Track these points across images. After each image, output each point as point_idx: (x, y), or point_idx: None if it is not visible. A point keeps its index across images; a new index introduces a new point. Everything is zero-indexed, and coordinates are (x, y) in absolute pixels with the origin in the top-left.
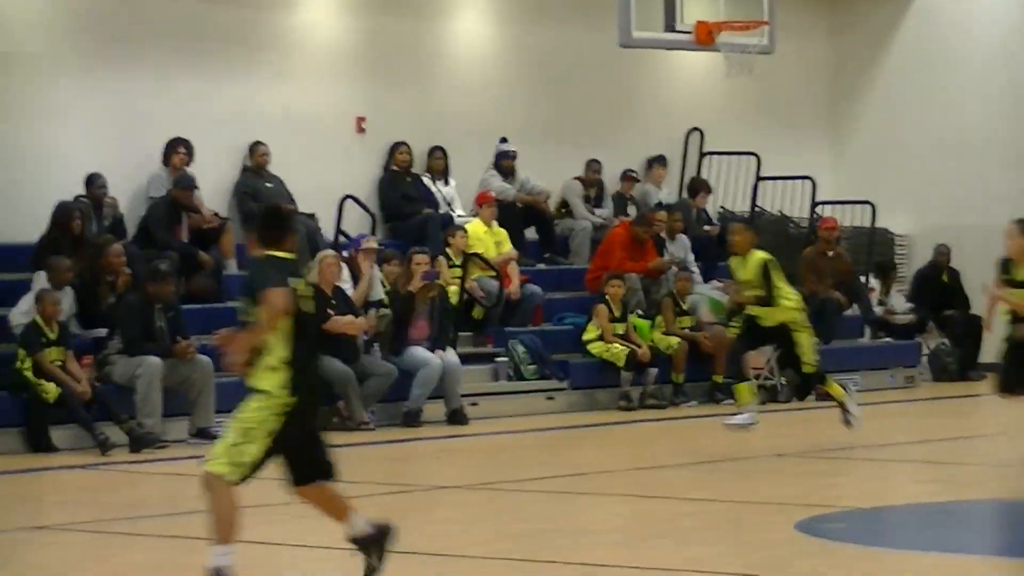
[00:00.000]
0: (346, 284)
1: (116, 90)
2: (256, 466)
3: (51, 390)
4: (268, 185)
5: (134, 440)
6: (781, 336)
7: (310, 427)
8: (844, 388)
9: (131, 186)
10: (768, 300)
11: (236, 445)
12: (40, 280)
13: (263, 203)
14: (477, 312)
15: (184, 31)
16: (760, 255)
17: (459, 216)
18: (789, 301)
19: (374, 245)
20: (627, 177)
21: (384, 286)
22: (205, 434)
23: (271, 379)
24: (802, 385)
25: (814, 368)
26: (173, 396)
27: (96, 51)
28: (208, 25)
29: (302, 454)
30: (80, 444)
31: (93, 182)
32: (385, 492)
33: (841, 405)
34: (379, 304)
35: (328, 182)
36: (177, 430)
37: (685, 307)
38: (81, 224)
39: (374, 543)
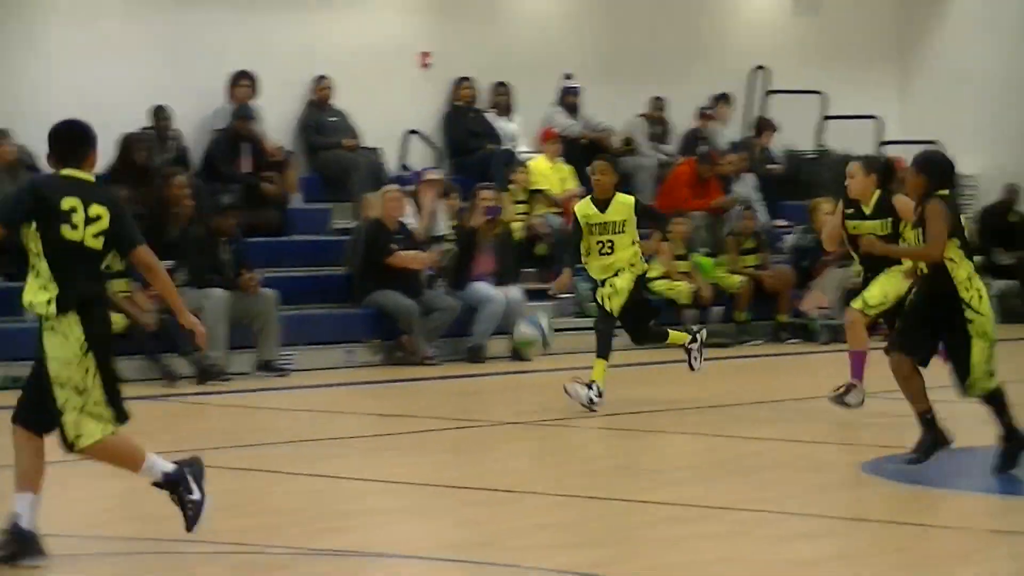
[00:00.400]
0: (411, 220)
1: (182, 23)
2: (115, 401)
3: (117, 321)
4: (332, 119)
5: (200, 372)
6: (634, 292)
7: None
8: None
9: (196, 118)
10: (608, 229)
11: (84, 405)
12: None
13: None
14: (541, 248)
15: None
16: (628, 197)
17: (523, 152)
18: (630, 252)
19: (436, 177)
20: (703, 115)
21: (449, 221)
22: (270, 367)
23: (41, 296)
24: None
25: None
26: (238, 329)
27: None
28: None
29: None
30: (146, 375)
31: (158, 114)
32: (450, 427)
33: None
34: (443, 239)
35: (392, 116)
36: (242, 362)
37: (749, 245)
38: (145, 155)
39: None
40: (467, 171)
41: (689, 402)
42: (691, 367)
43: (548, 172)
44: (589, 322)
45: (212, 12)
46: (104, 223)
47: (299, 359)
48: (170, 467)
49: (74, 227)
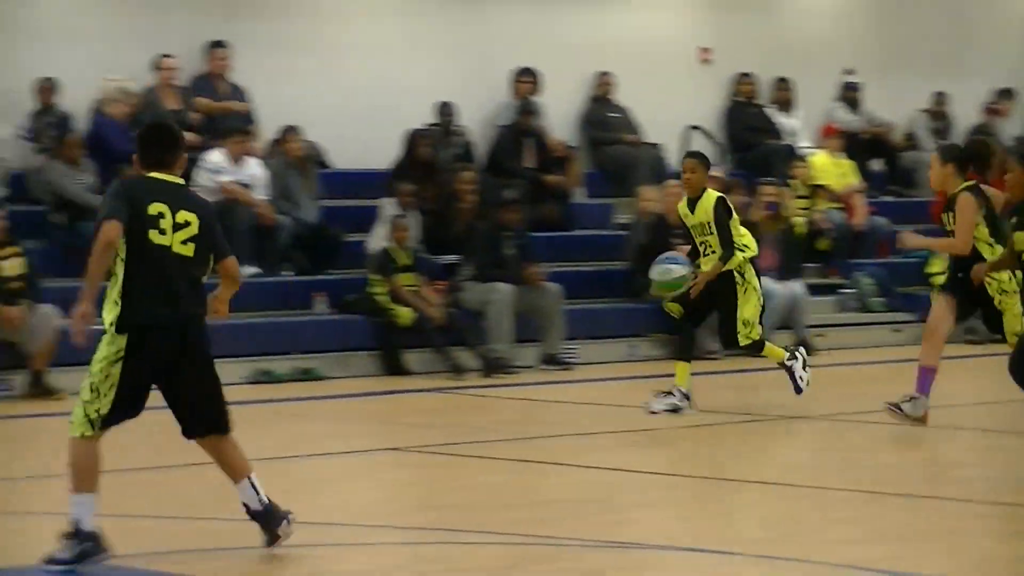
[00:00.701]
0: None
1: (466, 21)
2: (110, 416)
3: (405, 315)
4: (613, 114)
5: (486, 365)
6: (721, 292)
7: (180, 373)
8: (794, 352)
9: (480, 115)
10: (727, 250)
11: (87, 403)
12: (389, 206)
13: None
14: (822, 243)
15: None
16: (714, 194)
17: (803, 147)
18: (744, 251)
19: (718, 174)
20: (987, 109)
21: None
22: (554, 360)
23: (110, 313)
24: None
25: (750, 340)
26: (523, 322)
27: None
28: None
29: (183, 405)
30: (433, 368)
31: (443, 110)
32: (731, 421)
33: (785, 368)
34: None
35: (673, 112)
36: (527, 355)
37: None
38: (431, 151)
39: (265, 520)
40: (748, 166)
41: (972, 398)
42: (652, 406)
43: (829, 167)
44: (872, 317)
45: (495, 9)
46: (193, 229)
47: (582, 353)
48: (87, 525)
49: (162, 232)
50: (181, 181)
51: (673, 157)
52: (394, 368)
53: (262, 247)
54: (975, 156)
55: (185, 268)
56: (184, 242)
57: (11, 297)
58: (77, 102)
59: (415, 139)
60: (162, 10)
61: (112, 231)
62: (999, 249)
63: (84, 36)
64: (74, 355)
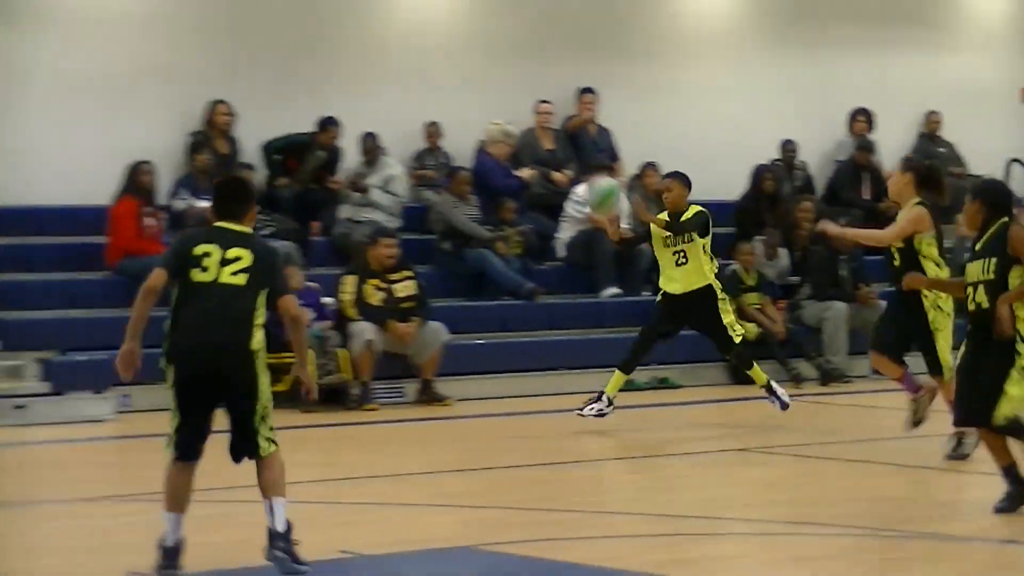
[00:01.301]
0: None
1: (808, 66)
2: (183, 437)
3: (751, 330)
4: (940, 150)
5: (823, 374)
6: (697, 308)
7: (224, 396)
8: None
9: (819, 151)
10: (678, 229)
11: (171, 426)
12: (757, 241)
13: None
14: None
15: (864, 9)
16: (697, 208)
17: None
18: (707, 266)
19: None
20: None
21: None
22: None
23: (164, 344)
24: (737, 357)
25: (740, 336)
26: (856, 336)
27: (787, 30)
28: (887, 3)
29: (231, 430)
30: (776, 378)
31: (785, 147)
32: None
33: (767, 389)
34: None
35: (996, 146)
36: (860, 367)
37: None
38: (774, 184)
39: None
40: None
41: None
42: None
43: None
44: None
45: (834, 55)
46: (246, 262)
47: (910, 364)
48: (173, 540)
49: (204, 270)
50: (246, 230)
51: None
52: (741, 378)
53: (624, 271)
54: (929, 177)
55: (233, 296)
56: (235, 273)
57: (404, 315)
58: (460, 143)
59: (761, 173)
60: (538, 59)
61: (154, 278)
62: (945, 272)
63: (469, 83)
64: (459, 366)
